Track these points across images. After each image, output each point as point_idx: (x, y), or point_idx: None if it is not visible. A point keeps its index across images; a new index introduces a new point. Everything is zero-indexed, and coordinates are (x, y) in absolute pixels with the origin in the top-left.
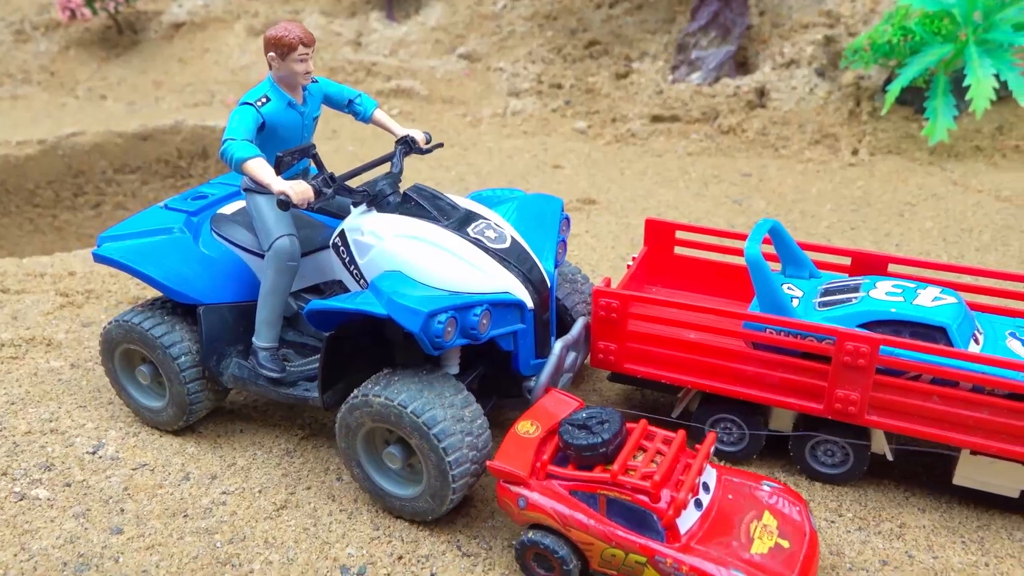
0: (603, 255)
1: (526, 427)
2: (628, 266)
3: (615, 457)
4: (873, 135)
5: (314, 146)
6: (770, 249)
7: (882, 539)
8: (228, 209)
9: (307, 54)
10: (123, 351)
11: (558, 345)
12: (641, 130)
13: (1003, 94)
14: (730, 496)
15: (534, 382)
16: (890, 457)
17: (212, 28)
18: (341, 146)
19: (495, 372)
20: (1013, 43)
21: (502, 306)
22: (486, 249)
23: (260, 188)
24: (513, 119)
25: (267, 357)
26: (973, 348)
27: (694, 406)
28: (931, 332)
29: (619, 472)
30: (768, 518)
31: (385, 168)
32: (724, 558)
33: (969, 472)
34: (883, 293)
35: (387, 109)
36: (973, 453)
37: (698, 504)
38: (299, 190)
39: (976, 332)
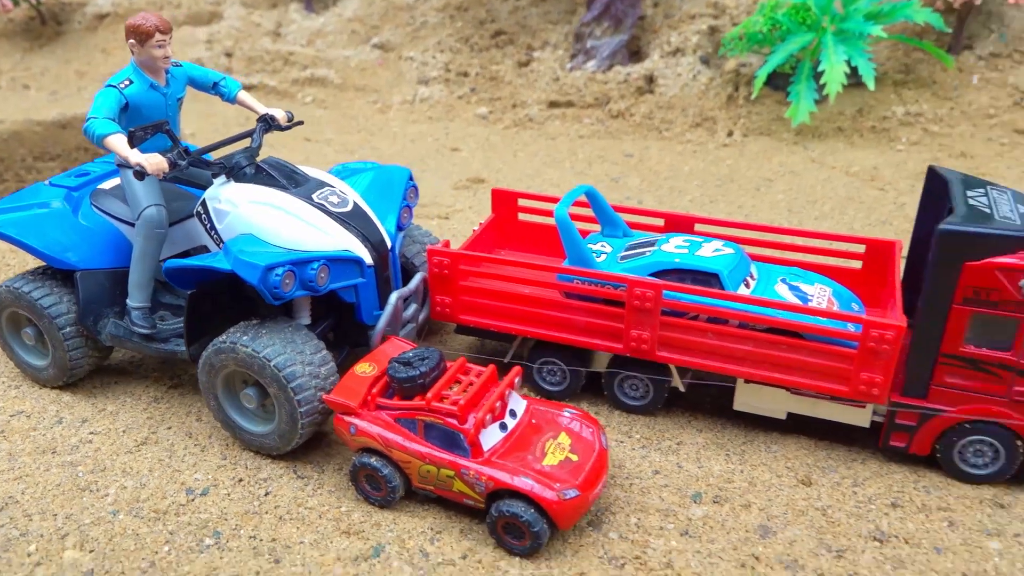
0: None
1: (364, 368)
2: (474, 230)
3: (432, 388)
4: (747, 118)
5: (167, 122)
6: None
7: (660, 454)
8: (107, 185)
9: (164, 40)
10: (9, 314)
11: (394, 296)
12: (538, 115)
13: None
14: (534, 421)
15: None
16: (682, 389)
17: None
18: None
19: (345, 323)
20: (865, 32)
21: (341, 262)
22: (328, 213)
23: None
24: (420, 106)
25: (139, 316)
26: (743, 291)
27: (526, 351)
28: (707, 278)
29: (433, 399)
30: (563, 438)
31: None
32: (518, 468)
33: (745, 398)
34: (673, 247)
35: (301, 97)
36: (747, 382)
37: (503, 427)
38: (153, 162)
39: (749, 278)
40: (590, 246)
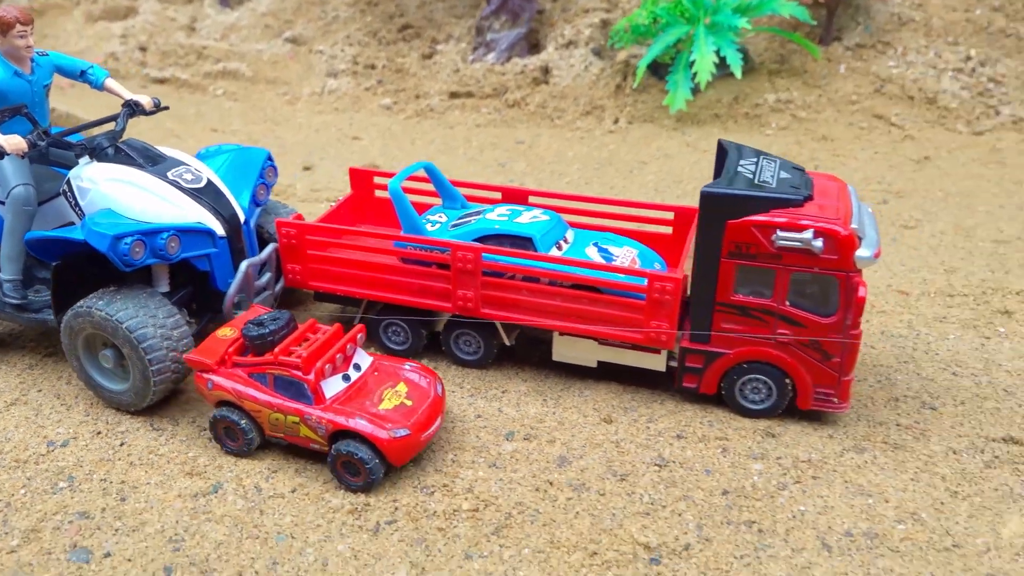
0: None
1: (224, 332)
2: (331, 206)
3: (280, 344)
4: (633, 106)
5: (25, 105)
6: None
7: (485, 401)
8: None
9: (25, 31)
10: None
11: (244, 264)
12: (439, 105)
13: (743, 68)
14: (376, 373)
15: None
16: (508, 343)
17: (51, 14)
18: (159, 123)
19: (205, 291)
20: (734, 25)
21: (192, 233)
22: (182, 188)
23: None
24: (328, 97)
25: (11, 288)
26: (555, 253)
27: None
28: (522, 242)
29: (280, 354)
30: (401, 387)
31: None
32: (354, 412)
33: (561, 350)
34: (496, 215)
35: (213, 90)
36: (561, 335)
37: (346, 378)
38: (12, 142)
39: (562, 241)
40: (429, 217)
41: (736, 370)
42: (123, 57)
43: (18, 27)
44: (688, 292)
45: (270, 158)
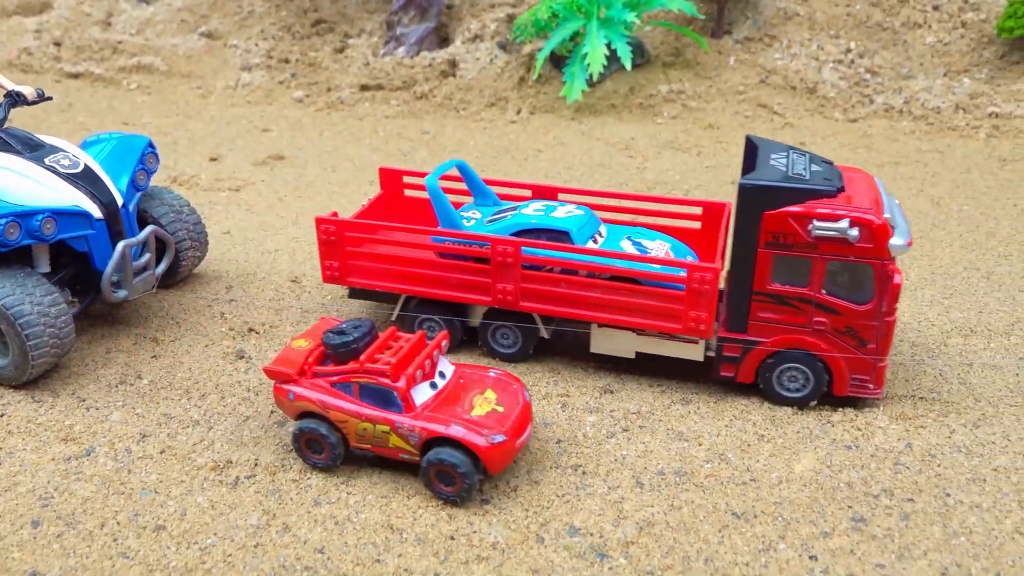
0: (270, 198)
1: (300, 343)
2: (362, 205)
3: (365, 352)
4: (535, 97)
5: None
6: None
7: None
8: None
9: None
10: None
11: (121, 244)
12: (350, 98)
13: (639, 61)
14: (462, 380)
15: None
16: (546, 335)
17: None
18: (71, 117)
19: (85, 272)
20: (625, 19)
21: (68, 215)
22: (59, 173)
23: None
24: (242, 91)
25: None
26: (591, 247)
27: (409, 308)
28: (560, 235)
29: (366, 361)
30: (489, 393)
31: None
32: (448, 419)
33: (600, 342)
34: (532, 211)
35: (127, 84)
36: (600, 326)
37: (433, 386)
38: None
39: (597, 235)
40: (462, 214)
41: (774, 358)
42: (37, 52)
43: None
44: (723, 284)
45: (151, 145)
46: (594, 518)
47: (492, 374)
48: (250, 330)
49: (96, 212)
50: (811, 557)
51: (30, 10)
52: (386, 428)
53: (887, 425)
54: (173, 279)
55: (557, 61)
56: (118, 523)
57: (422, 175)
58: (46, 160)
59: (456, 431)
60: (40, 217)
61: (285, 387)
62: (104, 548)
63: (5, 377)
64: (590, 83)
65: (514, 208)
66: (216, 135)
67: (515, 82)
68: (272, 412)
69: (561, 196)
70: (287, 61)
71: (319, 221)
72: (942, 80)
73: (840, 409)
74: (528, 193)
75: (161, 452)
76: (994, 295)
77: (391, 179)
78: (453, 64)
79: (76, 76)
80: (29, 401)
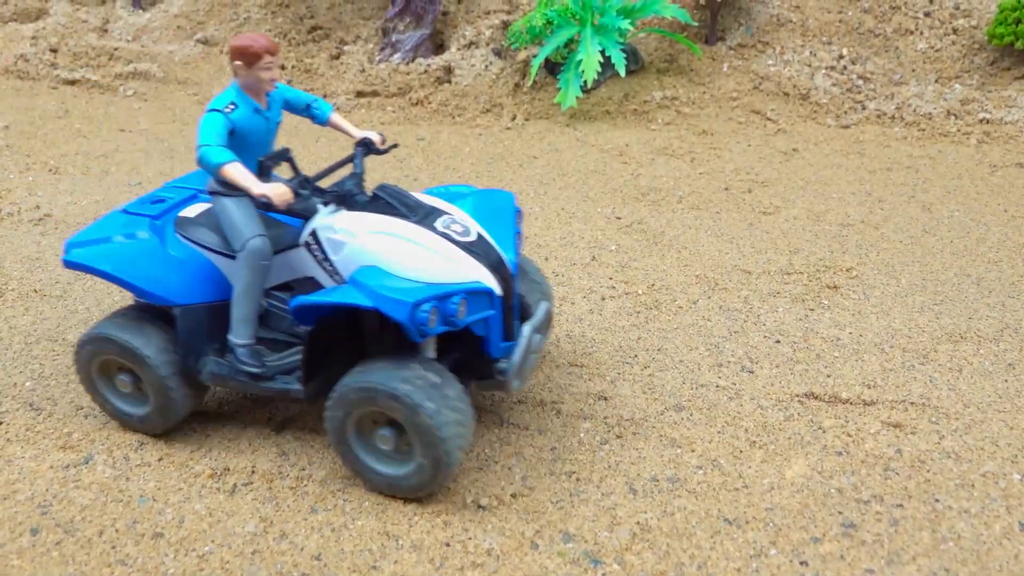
0: None
1: None
2: None
3: None
4: (530, 104)
5: (289, 150)
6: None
7: (540, 409)
8: (190, 212)
9: (272, 63)
10: (100, 362)
11: (527, 328)
12: (346, 104)
13: (634, 68)
14: None
15: (505, 363)
16: None
17: None
18: (68, 124)
19: (469, 356)
20: (618, 26)
21: (475, 294)
22: (455, 242)
23: (227, 191)
24: None
25: (246, 353)
26: None
27: None
28: None
29: None
30: None
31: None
32: None
33: None
34: None
35: (123, 91)
36: None
37: None
38: (279, 192)
39: None
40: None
41: None
42: (33, 59)
43: (266, 58)
44: None
45: (514, 201)
46: (588, 524)
47: None
48: None
49: (497, 289)
50: (802, 563)
51: (26, 17)
52: None
53: (877, 431)
54: None
55: (552, 68)
56: (116, 530)
57: None
58: (437, 225)
59: None
60: (457, 299)
61: None
62: (103, 555)
63: (407, 487)
64: (584, 90)
65: None
66: None
67: (510, 89)
68: (269, 420)
69: None
70: (283, 68)
71: None
72: (933, 86)
73: (831, 415)
74: None
75: (159, 459)
76: (984, 301)
77: None
78: (448, 71)
79: (72, 83)
80: (27, 409)
